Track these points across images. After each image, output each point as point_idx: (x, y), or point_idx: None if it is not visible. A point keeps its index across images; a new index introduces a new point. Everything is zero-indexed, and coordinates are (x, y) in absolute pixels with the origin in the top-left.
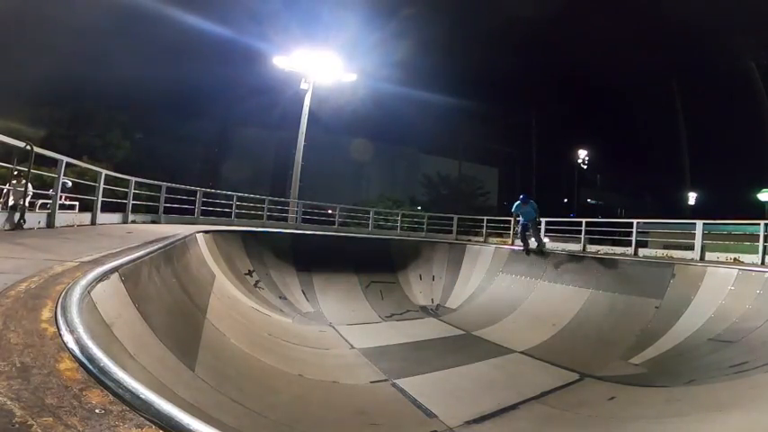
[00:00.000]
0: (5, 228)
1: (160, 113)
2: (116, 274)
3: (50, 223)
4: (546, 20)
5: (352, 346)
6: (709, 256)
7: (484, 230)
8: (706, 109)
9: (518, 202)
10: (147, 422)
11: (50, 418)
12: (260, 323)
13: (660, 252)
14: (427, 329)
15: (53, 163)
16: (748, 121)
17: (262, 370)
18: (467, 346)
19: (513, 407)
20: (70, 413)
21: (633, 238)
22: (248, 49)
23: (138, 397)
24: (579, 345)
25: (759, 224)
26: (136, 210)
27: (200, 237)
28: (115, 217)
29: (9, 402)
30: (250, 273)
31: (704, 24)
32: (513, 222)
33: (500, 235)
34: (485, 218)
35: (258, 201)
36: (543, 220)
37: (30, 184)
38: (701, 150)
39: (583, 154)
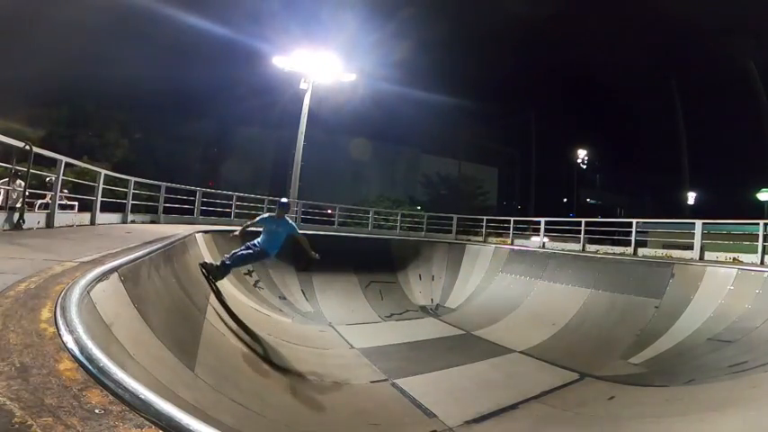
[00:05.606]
0: (5, 228)
1: (159, 113)
2: (115, 274)
3: (50, 223)
4: (546, 19)
5: (352, 346)
6: (708, 255)
7: (483, 230)
8: (705, 109)
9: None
10: (147, 422)
11: (50, 419)
12: (260, 323)
13: (660, 252)
14: (427, 329)
15: (53, 163)
16: (748, 120)
17: (261, 370)
18: (466, 345)
19: (513, 406)
20: (70, 413)
21: (633, 238)
22: (248, 48)
23: (137, 397)
24: (579, 344)
25: (758, 224)
26: (135, 210)
27: (199, 237)
28: (114, 217)
29: (9, 402)
30: (249, 273)
31: (704, 24)
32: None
33: (500, 235)
34: (484, 218)
35: (258, 200)
36: (543, 219)
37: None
38: (700, 150)
39: (582, 154)
